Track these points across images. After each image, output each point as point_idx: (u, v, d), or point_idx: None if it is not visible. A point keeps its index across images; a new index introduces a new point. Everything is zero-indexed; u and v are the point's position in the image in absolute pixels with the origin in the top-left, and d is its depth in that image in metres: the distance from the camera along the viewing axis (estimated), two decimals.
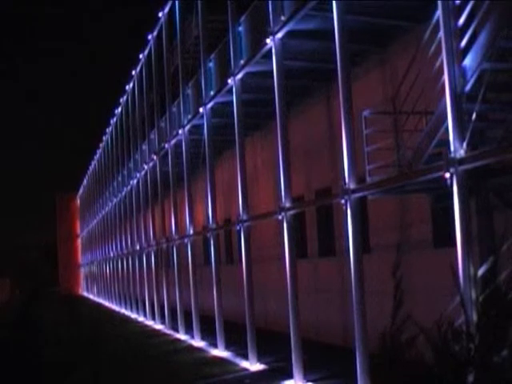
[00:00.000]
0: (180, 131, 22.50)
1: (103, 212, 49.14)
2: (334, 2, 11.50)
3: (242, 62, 16.42)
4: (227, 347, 18.47)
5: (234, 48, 16.64)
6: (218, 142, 22.72)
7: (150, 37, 27.83)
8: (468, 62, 8.69)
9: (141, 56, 30.25)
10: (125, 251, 38.02)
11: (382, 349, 7.69)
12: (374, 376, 10.61)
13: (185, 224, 22.57)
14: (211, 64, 19.75)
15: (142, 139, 32.02)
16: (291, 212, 13.88)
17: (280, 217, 13.99)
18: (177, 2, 22.57)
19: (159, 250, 27.80)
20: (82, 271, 75.23)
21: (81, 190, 72.05)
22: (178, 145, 23.62)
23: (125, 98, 36.32)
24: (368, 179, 11.23)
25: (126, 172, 37.33)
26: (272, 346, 17.89)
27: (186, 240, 22.11)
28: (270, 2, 14.34)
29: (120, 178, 39.44)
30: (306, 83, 18.41)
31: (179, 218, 25.23)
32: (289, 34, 14.16)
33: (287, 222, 13.85)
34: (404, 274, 15.05)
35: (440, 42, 9.00)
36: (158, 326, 27.63)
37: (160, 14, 25.00)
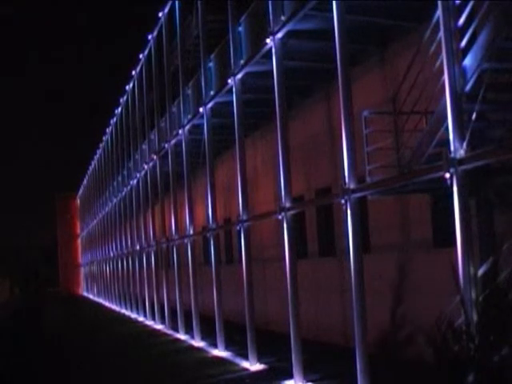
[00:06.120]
0: (180, 131, 22.50)
1: (103, 212, 49.15)
2: (334, 2, 11.50)
3: (241, 62, 16.41)
4: (227, 347, 18.48)
5: (234, 48, 16.63)
6: (218, 142, 22.72)
7: (150, 37, 27.84)
8: (468, 62, 8.69)
9: (141, 56, 30.26)
10: (125, 251, 38.03)
11: (379, 348, 7.74)
12: (373, 375, 10.63)
13: (185, 224, 22.57)
14: (211, 64, 19.75)
15: (142, 139, 32.03)
16: (291, 212, 13.88)
17: (280, 217, 13.99)
18: (177, 2, 22.56)
19: (159, 250, 27.80)
20: (82, 271, 75.25)
21: (81, 190, 72.05)
22: (178, 145, 23.62)
23: (125, 98, 36.33)
24: (368, 179, 11.23)
25: (125, 172, 37.34)
26: (272, 346, 17.89)
27: (185, 240, 22.11)
28: (270, 2, 14.34)
29: (120, 178, 39.44)
30: (306, 83, 18.42)
31: (179, 217, 25.23)
32: (289, 34, 14.16)
33: (287, 222, 13.85)
34: (404, 274, 15.13)
35: (440, 42, 9.00)
36: (158, 326, 27.64)
37: (160, 14, 25.00)
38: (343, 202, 11.37)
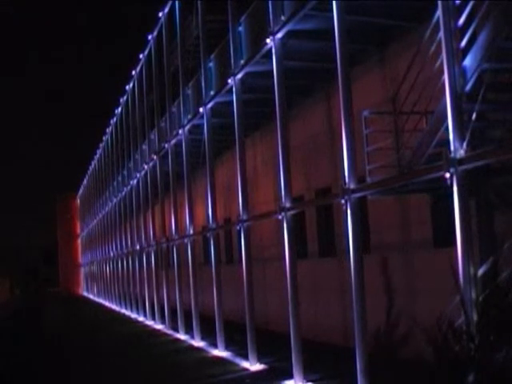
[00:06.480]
0: (180, 131, 22.51)
1: (103, 212, 49.16)
2: (334, 2, 11.50)
3: (242, 62, 16.42)
4: (227, 347, 18.48)
5: (234, 48, 16.64)
6: (218, 142, 22.72)
7: (150, 37, 27.85)
8: (468, 62, 8.70)
9: (141, 56, 30.27)
10: (125, 251, 38.04)
11: (376, 347, 7.74)
12: (373, 375, 10.63)
13: (185, 224, 22.57)
14: (211, 64, 19.75)
15: (142, 139, 32.04)
16: (291, 212, 13.88)
17: (280, 217, 14.00)
18: (177, 2, 22.57)
19: (159, 250, 27.81)
20: (82, 271, 75.25)
21: (81, 190, 72.06)
22: (178, 145, 23.63)
23: (125, 98, 36.34)
24: (368, 179, 11.23)
25: (126, 172, 37.35)
26: (272, 346, 17.89)
27: (185, 240, 22.11)
28: (270, 2, 14.34)
29: (120, 178, 39.46)
30: (306, 83, 18.42)
31: (179, 217, 25.23)
32: (289, 34, 14.16)
33: (287, 222, 13.85)
34: (404, 274, 15.13)
35: (440, 42, 9.00)
36: (158, 326, 27.64)
37: (160, 14, 25.01)
38: (343, 202, 11.38)
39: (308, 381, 13.42)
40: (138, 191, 32.61)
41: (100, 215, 51.67)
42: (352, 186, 11.23)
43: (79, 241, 76.71)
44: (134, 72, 32.55)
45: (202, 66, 19.48)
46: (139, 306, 33.62)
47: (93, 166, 56.22)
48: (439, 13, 8.94)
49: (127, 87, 35.04)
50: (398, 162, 10.79)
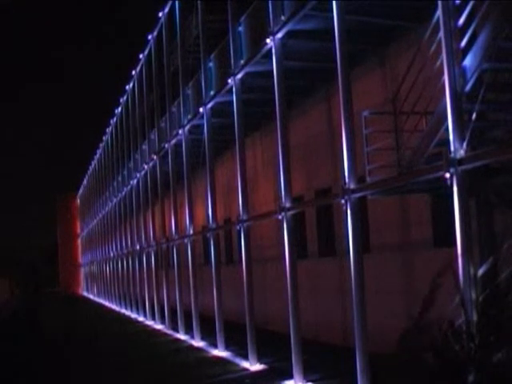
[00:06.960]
0: (180, 131, 22.51)
1: (103, 212, 49.15)
2: (333, 2, 11.50)
3: (241, 62, 16.42)
4: (227, 347, 18.47)
5: (234, 48, 16.64)
6: (218, 142, 22.72)
7: (150, 37, 27.85)
8: (468, 62, 8.69)
9: (141, 56, 30.27)
10: (125, 251, 38.03)
11: (402, 350, 7.70)
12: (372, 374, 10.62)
13: (185, 224, 22.57)
14: (211, 64, 19.75)
15: (142, 139, 32.04)
16: (291, 212, 13.88)
17: (280, 217, 14.00)
18: (177, 2, 22.58)
19: (159, 250, 27.80)
20: (82, 271, 75.24)
21: (81, 190, 72.05)
22: (178, 145, 23.63)
23: (125, 98, 36.33)
24: (368, 179, 11.23)
25: (126, 172, 37.34)
26: (272, 346, 17.89)
27: (185, 240, 22.11)
28: (270, 2, 14.34)
29: (120, 178, 39.45)
30: (306, 83, 18.41)
31: (179, 217, 25.22)
32: (289, 34, 14.16)
33: (287, 222, 13.85)
34: (404, 274, 15.13)
35: (440, 42, 9.00)
36: (158, 326, 27.64)
37: (160, 14, 25.01)
38: (343, 202, 11.38)
39: (308, 381, 13.42)
40: (138, 191, 32.60)
41: (100, 215, 51.66)
42: (352, 186, 11.23)
43: (79, 241, 76.70)
44: (134, 72, 32.54)
45: (202, 66, 19.48)
46: (139, 306, 33.62)
47: (93, 165, 56.20)
48: (439, 13, 8.94)
49: (127, 87, 35.04)
50: (398, 162, 10.79)
